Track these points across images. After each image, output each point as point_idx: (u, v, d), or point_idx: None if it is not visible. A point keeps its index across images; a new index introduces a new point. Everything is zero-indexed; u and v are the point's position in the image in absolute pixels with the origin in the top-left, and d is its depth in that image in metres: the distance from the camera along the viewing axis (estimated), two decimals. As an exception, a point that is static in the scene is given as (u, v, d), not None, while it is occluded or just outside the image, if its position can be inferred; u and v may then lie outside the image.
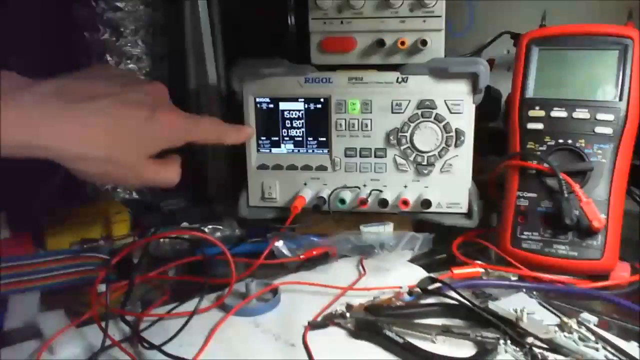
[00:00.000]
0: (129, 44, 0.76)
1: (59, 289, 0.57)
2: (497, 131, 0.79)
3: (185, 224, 0.67)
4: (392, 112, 0.64)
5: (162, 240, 0.63)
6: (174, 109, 0.53)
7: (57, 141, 0.43)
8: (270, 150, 0.67)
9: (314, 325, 0.48)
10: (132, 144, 0.48)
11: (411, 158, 0.65)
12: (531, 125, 0.60)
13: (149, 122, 0.48)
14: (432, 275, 0.56)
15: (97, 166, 0.46)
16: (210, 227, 0.66)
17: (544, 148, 0.59)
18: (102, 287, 0.52)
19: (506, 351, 0.45)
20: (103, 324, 0.47)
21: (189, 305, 0.51)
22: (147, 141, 0.49)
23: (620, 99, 0.57)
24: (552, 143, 0.59)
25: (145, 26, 0.77)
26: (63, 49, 0.79)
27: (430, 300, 0.52)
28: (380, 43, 0.63)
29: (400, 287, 0.53)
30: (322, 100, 0.65)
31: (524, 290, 0.55)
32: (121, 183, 0.50)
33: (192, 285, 0.56)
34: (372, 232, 0.63)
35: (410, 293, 0.52)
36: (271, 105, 0.66)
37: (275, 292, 0.54)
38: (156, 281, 0.58)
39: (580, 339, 0.46)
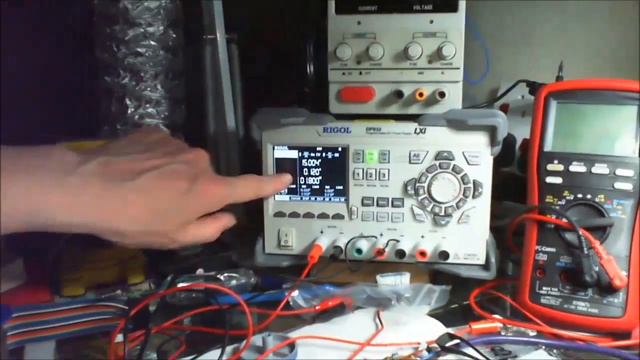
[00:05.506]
0: (148, 88, 0.77)
1: (74, 338, 0.56)
2: (511, 176, 0.79)
3: (200, 271, 0.66)
4: (410, 163, 0.64)
5: (177, 288, 0.63)
6: (213, 176, 0.54)
7: (97, 220, 0.45)
8: (289, 198, 0.68)
9: (332, 384, 0.48)
10: (172, 215, 0.49)
11: (429, 208, 0.64)
12: (550, 179, 0.59)
13: (188, 194, 0.50)
14: (450, 331, 0.55)
15: (134, 238, 0.48)
16: (226, 274, 0.66)
17: (562, 202, 0.59)
18: (118, 337, 0.52)
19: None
20: (120, 378, 0.47)
21: (206, 357, 0.51)
22: (186, 212, 0.51)
23: (640, 155, 0.57)
24: (571, 197, 0.58)
25: (164, 71, 0.78)
26: (85, 91, 0.81)
27: (449, 357, 0.51)
28: (399, 94, 0.63)
29: (419, 344, 0.52)
30: (340, 149, 0.65)
31: (544, 347, 0.54)
32: (156, 248, 0.51)
33: (207, 335, 0.55)
34: (389, 283, 0.62)
35: (429, 350, 0.52)
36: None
37: (292, 346, 0.53)
38: (172, 331, 0.57)
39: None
